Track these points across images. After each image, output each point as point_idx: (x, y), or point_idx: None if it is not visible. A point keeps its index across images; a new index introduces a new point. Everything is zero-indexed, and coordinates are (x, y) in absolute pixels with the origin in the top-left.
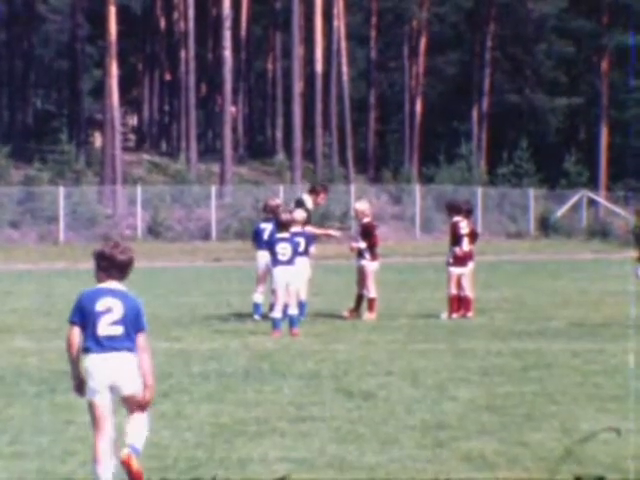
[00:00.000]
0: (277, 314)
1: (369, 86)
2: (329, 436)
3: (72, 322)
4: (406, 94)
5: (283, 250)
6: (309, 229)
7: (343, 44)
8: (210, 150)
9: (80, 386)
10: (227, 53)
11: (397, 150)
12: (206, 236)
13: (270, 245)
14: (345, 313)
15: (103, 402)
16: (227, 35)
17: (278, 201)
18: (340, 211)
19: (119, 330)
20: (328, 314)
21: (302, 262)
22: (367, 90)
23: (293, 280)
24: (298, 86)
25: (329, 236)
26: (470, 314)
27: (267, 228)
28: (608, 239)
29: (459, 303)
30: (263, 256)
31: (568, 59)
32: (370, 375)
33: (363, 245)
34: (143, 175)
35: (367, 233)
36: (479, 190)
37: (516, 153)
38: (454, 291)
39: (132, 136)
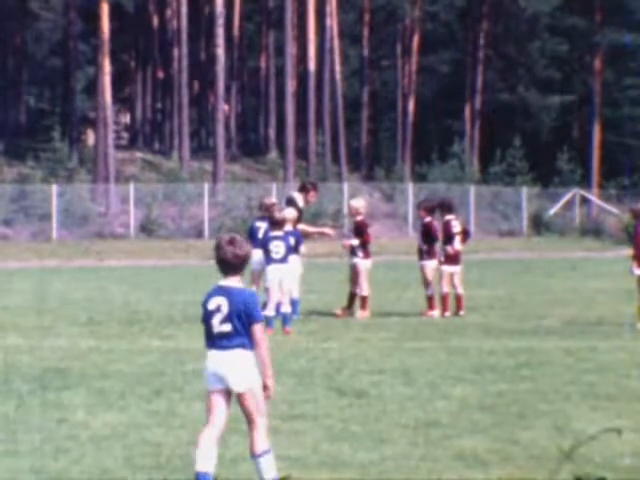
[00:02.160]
0: (270, 312)
1: (362, 84)
2: (322, 434)
3: (201, 321)
4: (399, 92)
5: (276, 248)
6: (302, 227)
7: (336, 42)
8: (203, 148)
9: None
10: (220, 51)
11: (390, 148)
12: (199, 234)
13: (263, 243)
14: (337, 311)
15: (216, 397)
16: (220, 33)
17: (273, 200)
18: (333, 209)
19: (228, 328)
20: (321, 312)
21: (293, 260)
22: (360, 88)
23: (286, 278)
24: (291, 84)
25: (323, 234)
26: (462, 312)
27: (262, 226)
28: (601, 237)
29: (446, 302)
30: (258, 254)
31: (561, 57)
32: (363, 373)
33: (356, 242)
34: (136, 173)
35: (360, 231)
36: (472, 188)
37: (509, 151)
38: (446, 289)
39: (125, 134)
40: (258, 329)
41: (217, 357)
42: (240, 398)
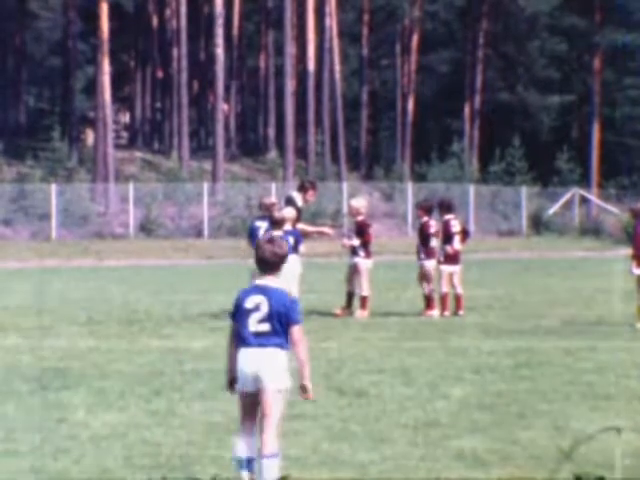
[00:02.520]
0: None
1: (361, 84)
2: (321, 434)
3: (231, 318)
4: (398, 92)
5: None
6: (301, 227)
7: (335, 42)
8: (202, 148)
9: (230, 382)
10: (219, 51)
11: (389, 148)
12: (198, 234)
13: None
14: (337, 311)
15: (248, 397)
16: (219, 33)
17: (273, 199)
18: (332, 209)
19: (266, 327)
20: (320, 311)
21: (292, 259)
22: (359, 88)
23: (285, 277)
24: (290, 84)
25: (322, 234)
26: (461, 312)
27: (262, 226)
28: (600, 237)
29: (445, 302)
30: None
31: (560, 57)
32: (362, 373)
33: (357, 243)
34: (135, 173)
35: (361, 231)
36: (471, 188)
37: (508, 151)
38: (445, 289)
39: (124, 133)
40: (297, 330)
41: (251, 356)
42: (265, 395)
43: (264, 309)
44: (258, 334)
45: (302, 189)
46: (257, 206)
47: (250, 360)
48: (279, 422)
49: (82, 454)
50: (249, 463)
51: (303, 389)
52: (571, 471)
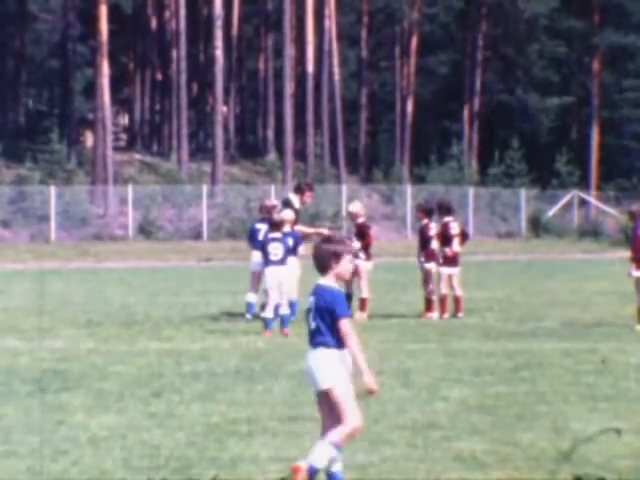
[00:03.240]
0: (269, 314)
1: (360, 86)
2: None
3: None
4: (397, 94)
5: (275, 250)
6: (299, 229)
7: (334, 44)
8: (201, 150)
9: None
10: (218, 53)
11: (388, 150)
12: (197, 236)
13: (262, 245)
14: None
15: (318, 396)
16: (218, 35)
17: (274, 202)
18: (331, 211)
19: (314, 325)
20: None
21: (292, 261)
22: (358, 90)
23: (285, 280)
24: (289, 86)
25: (320, 235)
26: (461, 314)
27: (262, 228)
28: (599, 239)
29: (444, 304)
30: (258, 256)
31: (559, 59)
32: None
33: (357, 245)
34: (134, 175)
35: (362, 233)
36: (470, 190)
37: (507, 153)
38: (445, 291)
39: (123, 136)
40: (343, 324)
41: (308, 355)
42: (324, 396)
43: (313, 308)
44: (311, 332)
45: (299, 191)
46: (258, 208)
47: (307, 360)
48: (352, 417)
49: (81, 456)
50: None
51: (366, 385)
52: (570, 472)
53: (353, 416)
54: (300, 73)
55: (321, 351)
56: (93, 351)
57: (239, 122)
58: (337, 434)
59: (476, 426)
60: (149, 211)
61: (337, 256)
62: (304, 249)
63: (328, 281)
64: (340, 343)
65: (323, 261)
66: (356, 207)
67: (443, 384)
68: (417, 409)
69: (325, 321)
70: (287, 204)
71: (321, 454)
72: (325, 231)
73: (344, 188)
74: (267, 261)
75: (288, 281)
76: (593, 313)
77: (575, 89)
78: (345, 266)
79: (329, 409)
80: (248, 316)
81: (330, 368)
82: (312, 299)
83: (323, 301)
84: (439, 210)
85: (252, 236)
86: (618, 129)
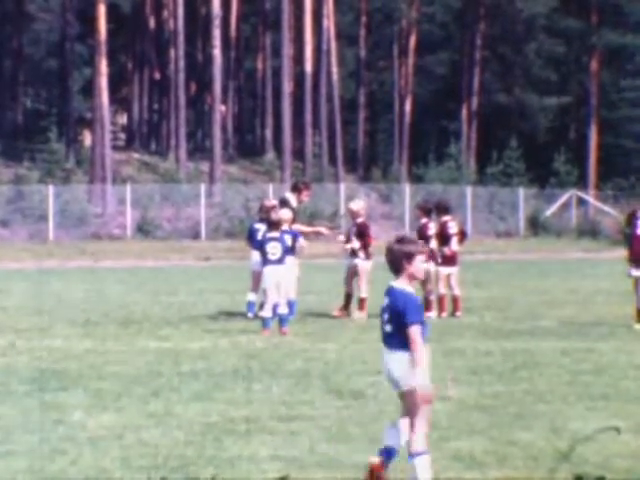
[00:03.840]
0: (267, 313)
1: (358, 85)
2: (319, 435)
3: None
4: (395, 93)
5: (273, 249)
6: (298, 227)
7: (333, 44)
8: (200, 149)
9: None
10: (217, 52)
11: (387, 149)
12: (196, 235)
13: (260, 244)
14: (335, 312)
15: (399, 397)
16: (217, 34)
17: (274, 202)
18: (329, 210)
19: (389, 328)
20: (318, 313)
21: (290, 261)
22: (356, 89)
23: (283, 279)
24: (288, 85)
25: (318, 233)
26: (459, 313)
27: (261, 228)
28: (597, 238)
29: (443, 303)
30: (257, 255)
31: (558, 58)
32: (360, 374)
33: (357, 245)
34: (133, 174)
35: (362, 232)
36: (469, 189)
37: (506, 152)
38: (443, 290)
39: (122, 135)
40: (411, 330)
41: (385, 357)
42: (402, 397)
43: (387, 310)
44: (386, 335)
45: (296, 190)
46: (257, 208)
47: (384, 362)
48: (422, 422)
49: (79, 455)
50: (387, 452)
51: (410, 392)
52: (569, 471)
53: (421, 422)
54: (298, 72)
55: (398, 354)
56: (91, 350)
57: (237, 121)
58: (416, 443)
59: (474, 425)
60: (147, 210)
61: (409, 257)
62: (304, 242)
63: (401, 283)
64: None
65: (395, 262)
66: (358, 205)
67: (441, 383)
68: None
69: (398, 324)
70: (284, 203)
71: (423, 468)
72: (323, 230)
73: (342, 187)
74: (265, 260)
75: (286, 280)
76: (591, 312)
77: (573, 89)
78: (418, 266)
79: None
80: (250, 315)
81: (408, 370)
82: (386, 300)
83: (396, 304)
84: (437, 209)
85: (251, 236)
86: (616, 129)
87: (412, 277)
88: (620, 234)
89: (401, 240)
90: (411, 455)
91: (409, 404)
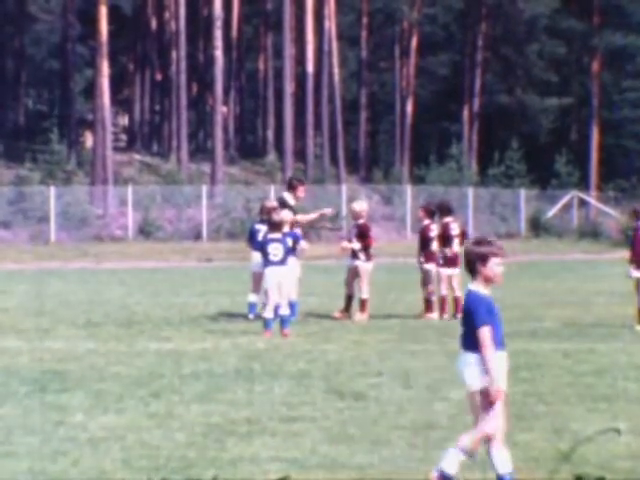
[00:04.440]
0: (269, 314)
1: (360, 86)
2: (320, 436)
3: None
4: (397, 94)
5: (275, 251)
6: (301, 218)
7: (334, 44)
8: (201, 150)
9: None
10: (218, 53)
11: (388, 150)
12: (197, 236)
13: (262, 246)
14: (336, 314)
15: (468, 398)
16: (218, 35)
17: (275, 203)
18: (331, 211)
19: (463, 330)
20: (319, 314)
21: (291, 262)
22: (358, 90)
23: (285, 280)
24: (289, 86)
25: (322, 215)
26: (460, 315)
27: (262, 229)
28: (599, 239)
29: (444, 304)
30: (258, 256)
31: (559, 59)
32: (361, 375)
33: (357, 246)
34: (134, 175)
35: (362, 234)
36: (470, 191)
37: (507, 153)
38: (445, 292)
39: (123, 136)
40: (480, 333)
41: (460, 356)
42: (475, 398)
43: (463, 311)
44: (462, 335)
45: (291, 187)
46: (259, 210)
47: (459, 361)
48: (489, 424)
49: (80, 456)
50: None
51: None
52: (570, 472)
53: (490, 423)
54: (300, 73)
55: (470, 355)
56: (93, 351)
57: (239, 122)
58: (467, 439)
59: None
60: (149, 211)
61: (483, 259)
62: (305, 244)
63: (476, 286)
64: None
65: (470, 264)
66: (361, 206)
67: (443, 384)
68: (417, 410)
69: (470, 326)
70: (283, 204)
71: (452, 460)
72: (325, 210)
73: (344, 188)
74: (267, 262)
75: (288, 282)
76: (592, 313)
77: (575, 90)
78: (492, 269)
79: (478, 411)
80: (251, 316)
81: (478, 371)
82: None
83: (468, 306)
84: (439, 211)
85: (252, 237)
86: (618, 130)
87: (487, 279)
88: (622, 234)
89: (477, 242)
90: (455, 446)
91: (480, 404)
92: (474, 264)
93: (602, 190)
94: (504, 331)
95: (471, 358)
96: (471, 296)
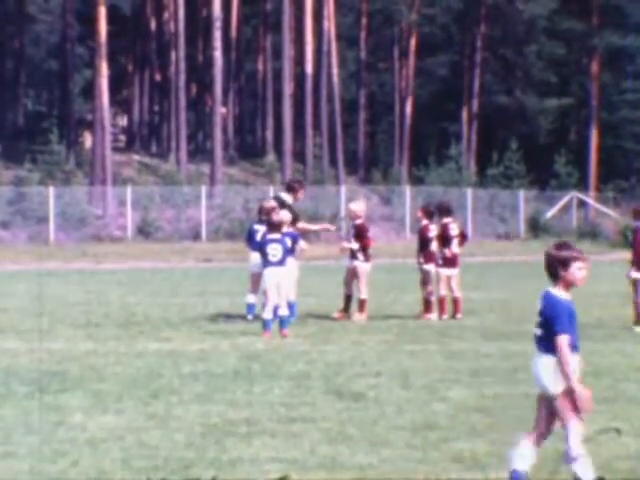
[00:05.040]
0: (268, 315)
1: (359, 87)
2: (319, 437)
3: None
4: (396, 95)
5: (274, 251)
6: (303, 226)
7: (333, 45)
8: (200, 151)
9: None
10: (217, 54)
11: (387, 151)
12: (196, 237)
13: (261, 246)
14: (335, 314)
15: (538, 401)
16: (217, 36)
17: (273, 203)
18: (330, 212)
19: (539, 332)
20: (318, 315)
21: (290, 262)
22: (357, 91)
23: (284, 281)
24: (288, 87)
25: (326, 229)
26: (459, 315)
27: (260, 229)
28: (598, 240)
29: (443, 305)
30: (256, 257)
31: (558, 60)
32: (360, 376)
33: (356, 246)
34: (133, 176)
35: (360, 234)
36: (469, 191)
37: (506, 154)
38: (444, 292)
39: (122, 136)
40: (558, 339)
41: (534, 359)
42: (547, 401)
43: (540, 314)
44: (536, 338)
45: (291, 190)
46: (257, 210)
47: (533, 365)
48: (574, 427)
49: (80, 457)
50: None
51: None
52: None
53: (574, 424)
54: (299, 74)
55: (545, 358)
56: (92, 352)
57: (238, 123)
58: (573, 447)
59: (475, 427)
60: (148, 212)
61: (565, 263)
62: (304, 244)
63: (557, 290)
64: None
65: (551, 269)
66: (358, 206)
67: (442, 385)
68: (416, 410)
69: (548, 330)
70: (282, 204)
71: (582, 469)
72: (329, 226)
73: (343, 189)
74: (266, 262)
75: (287, 282)
76: (591, 314)
77: (574, 90)
78: (574, 274)
79: (548, 413)
80: (249, 317)
81: (555, 375)
82: (540, 304)
83: (547, 310)
84: (439, 211)
85: (250, 237)
86: (617, 130)
87: (569, 284)
88: (621, 235)
89: (558, 246)
90: (570, 460)
91: (557, 409)
92: (555, 268)
93: (601, 191)
94: (505, 331)
95: (549, 360)
96: (552, 301)
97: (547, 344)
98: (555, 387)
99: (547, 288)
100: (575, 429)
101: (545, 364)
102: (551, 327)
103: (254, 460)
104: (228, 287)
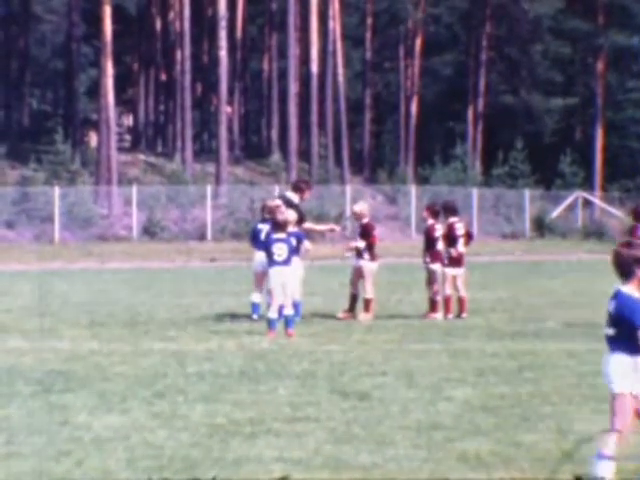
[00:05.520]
0: (273, 314)
1: (364, 87)
2: (324, 436)
3: None
4: (401, 95)
5: (279, 250)
6: (309, 226)
7: (339, 45)
8: (206, 150)
9: None
10: (223, 53)
11: (392, 151)
12: (202, 236)
13: (266, 245)
14: (340, 314)
15: (614, 399)
16: (223, 35)
17: (277, 202)
18: (335, 212)
19: (612, 331)
20: (323, 314)
21: (295, 262)
22: (362, 91)
23: (289, 280)
24: (294, 86)
25: (332, 230)
26: (465, 315)
27: (264, 229)
28: (603, 239)
29: (449, 304)
30: (260, 256)
31: (564, 60)
32: (365, 375)
33: (362, 244)
34: (138, 175)
35: (366, 233)
36: (474, 191)
37: (511, 154)
38: (449, 292)
39: (127, 136)
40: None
41: (604, 358)
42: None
43: (612, 314)
44: (607, 338)
45: (298, 190)
46: (260, 209)
47: (604, 362)
48: (621, 427)
49: (85, 456)
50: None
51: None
52: (571, 472)
53: (620, 426)
54: (304, 74)
55: (617, 356)
56: (97, 352)
57: (243, 123)
58: (610, 444)
59: (480, 427)
60: (153, 212)
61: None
62: (308, 244)
63: (630, 289)
64: (634, 351)
65: (624, 267)
66: (361, 207)
67: (447, 385)
68: (421, 409)
69: (622, 329)
70: (288, 203)
71: (603, 470)
72: (335, 227)
73: (348, 189)
74: (271, 262)
75: (292, 282)
76: (597, 314)
77: (579, 90)
78: None
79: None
80: (255, 316)
81: (622, 375)
82: (612, 304)
83: (622, 310)
84: (444, 211)
85: (254, 236)
86: (622, 130)
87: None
88: (626, 235)
89: (629, 245)
90: (599, 455)
91: (612, 407)
92: (629, 267)
93: (607, 190)
94: (510, 331)
95: (620, 359)
96: (626, 299)
97: (619, 343)
98: (619, 386)
99: (617, 287)
100: (618, 434)
101: (617, 362)
102: (631, 324)
103: (259, 459)
104: (233, 287)
